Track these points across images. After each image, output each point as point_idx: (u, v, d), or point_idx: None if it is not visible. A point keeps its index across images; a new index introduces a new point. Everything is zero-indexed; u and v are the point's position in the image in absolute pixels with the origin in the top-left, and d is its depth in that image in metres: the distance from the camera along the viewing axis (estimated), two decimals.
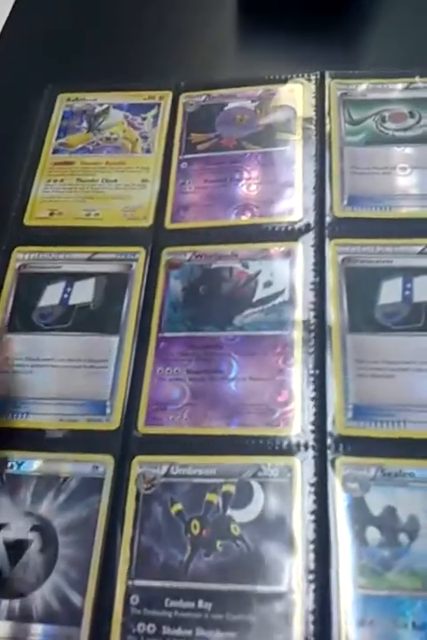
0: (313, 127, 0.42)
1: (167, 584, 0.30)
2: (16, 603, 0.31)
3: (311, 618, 0.29)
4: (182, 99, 0.46)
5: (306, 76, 0.44)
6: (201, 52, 0.49)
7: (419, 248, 0.37)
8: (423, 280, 0.35)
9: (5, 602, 0.31)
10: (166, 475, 0.33)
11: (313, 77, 0.44)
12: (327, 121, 0.42)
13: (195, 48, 0.49)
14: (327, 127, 0.42)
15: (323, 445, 0.32)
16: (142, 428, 0.34)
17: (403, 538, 0.30)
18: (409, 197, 0.39)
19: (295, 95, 0.44)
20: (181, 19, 0.51)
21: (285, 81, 0.44)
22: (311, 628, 0.29)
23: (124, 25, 0.51)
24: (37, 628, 0.30)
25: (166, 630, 0.29)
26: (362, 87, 0.43)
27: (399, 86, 0.43)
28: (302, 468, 0.32)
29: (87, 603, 0.30)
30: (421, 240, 0.37)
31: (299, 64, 0.46)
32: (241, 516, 0.31)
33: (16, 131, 0.47)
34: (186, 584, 0.30)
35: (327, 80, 0.44)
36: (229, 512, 0.31)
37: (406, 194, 0.39)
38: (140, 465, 0.33)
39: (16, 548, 0.32)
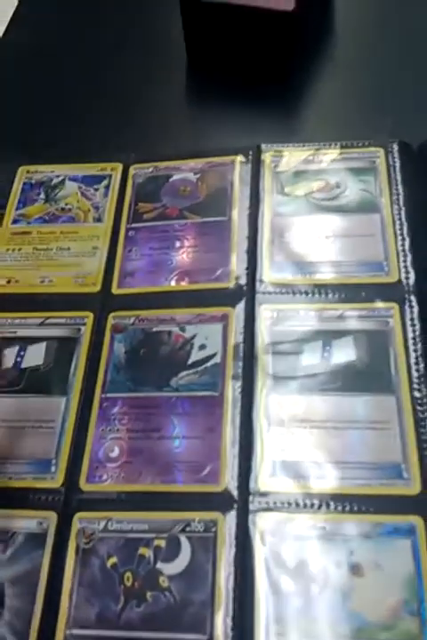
0: (248, 199, 0.46)
1: (102, 633, 0.33)
2: None
3: None
4: (132, 170, 0.49)
5: (243, 149, 0.48)
6: (152, 124, 0.53)
7: (338, 312, 0.40)
8: (341, 342, 0.39)
9: None
10: (104, 530, 0.36)
11: (250, 151, 0.48)
12: (261, 192, 0.46)
13: (147, 120, 0.53)
14: (261, 198, 0.45)
15: (245, 501, 0.35)
16: (84, 485, 0.37)
17: (314, 589, 0.32)
18: (333, 264, 0.42)
19: (234, 167, 0.47)
20: (135, 92, 0.55)
21: (224, 154, 0.48)
22: None
23: (81, 98, 0.55)
24: None
25: None
26: (293, 159, 0.47)
27: (328, 158, 0.47)
28: (226, 522, 0.35)
29: None
30: (340, 305, 0.40)
31: (241, 135, 0.50)
32: (169, 568, 0.34)
33: None
34: (118, 633, 0.33)
35: (262, 152, 0.48)
36: (159, 565, 0.34)
37: (329, 260, 0.42)
38: (80, 520, 0.36)
39: None
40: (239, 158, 0.48)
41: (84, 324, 0.43)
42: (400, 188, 0.44)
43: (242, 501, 0.35)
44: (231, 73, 0.55)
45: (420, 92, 0.52)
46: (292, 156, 0.47)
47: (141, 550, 0.35)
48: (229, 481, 0.36)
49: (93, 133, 0.52)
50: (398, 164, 0.46)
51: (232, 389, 0.39)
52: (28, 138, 0.54)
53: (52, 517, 0.36)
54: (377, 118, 0.51)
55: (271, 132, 0.50)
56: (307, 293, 0.41)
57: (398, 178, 0.45)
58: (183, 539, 0.35)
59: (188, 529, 0.35)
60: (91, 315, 0.43)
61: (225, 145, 0.49)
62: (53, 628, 0.34)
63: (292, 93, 0.54)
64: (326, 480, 0.35)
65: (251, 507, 0.35)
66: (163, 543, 0.35)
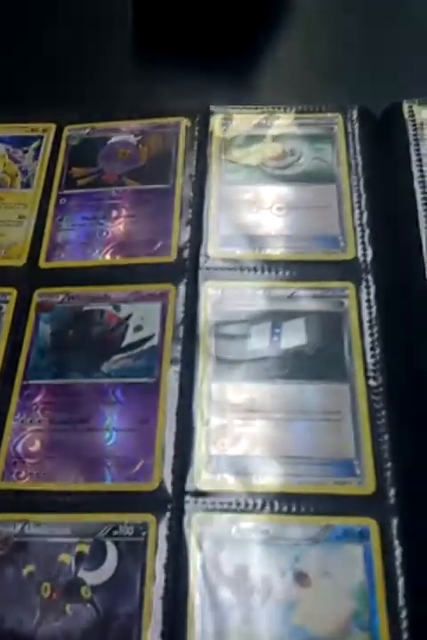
0: (193, 165, 0.41)
1: None
2: None
3: None
4: (66, 131, 0.44)
5: (190, 110, 0.44)
6: (91, 82, 0.48)
7: (289, 291, 0.36)
8: (291, 325, 0.35)
9: None
10: (20, 534, 0.31)
11: (198, 112, 0.43)
12: (208, 158, 0.41)
13: (84, 80, 0.48)
14: (208, 164, 0.41)
15: (181, 501, 0.31)
16: (0, 483, 0.33)
17: (254, 601, 0.29)
18: (284, 238, 0.38)
19: (180, 130, 0.43)
20: (73, 47, 0.50)
21: (169, 115, 0.44)
22: None
23: (11, 53, 0.50)
24: None
25: None
26: (244, 123, 0.43)
27: (283, 123, 0.43)
28: (157, 525, 0.31)
29: None
30: (291, 284, 0.36)
31: (189, 96, 0.46)
32: (93, 577, 0.30)
33: None
34: None
35: (212, 115, 0.43)
36: (81, 573, 0.30)
37: (280, 234, 0.38)
38: None
39: None
40: (186, 120, 0.43)
41: (7, 302, 0.38)
42: (359, 156, 0.41)
43: (177, 501, 0.31)
44: (181, 31, 0.50)
45: (382, 58, 0.48)
46: (243, 120, 0.43)
47: (62, 557, 0.31)
48: (164, 479, 0.32)
49: (24, 90, 0.47)
50: (357, 132, 0.42)
51: (170, 375, 0.34)
52: None
53: None
54: (337, 84, 0.47)
55: (222, 95, 0.45)
56: (255, 270, 0.37)
57: (357, 146, 0.41)
58: (109, 544, 0.31)
59: (115, 533, 0.31)
60: (14, 291, 0.38)
61: (171, 106, 0.45)
62: None
63: (246, 56, 0.49)
64: (271, 477, 0.31)
65: (187, 507, 0.31)
66: (86, 549, 0.31)
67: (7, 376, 0.36)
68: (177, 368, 0.35)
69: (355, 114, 0.42)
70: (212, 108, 0.43)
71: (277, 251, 0.37)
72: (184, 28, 0.50)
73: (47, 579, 0.30)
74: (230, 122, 0.43)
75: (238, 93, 0.47)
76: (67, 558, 0.31)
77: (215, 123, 0.43)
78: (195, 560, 0.30)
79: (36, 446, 0.34)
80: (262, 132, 0.42)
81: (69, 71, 0.49)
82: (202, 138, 0.42)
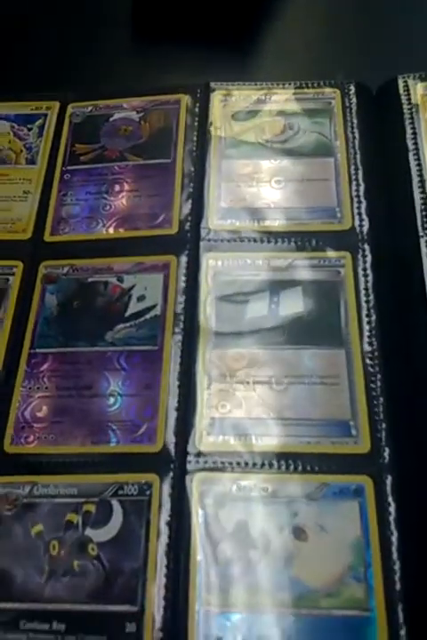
0: (194, 140, 0.42)
1: (23, 606, 0.30)
2: None
3: (159, 635, 0.29)
4: (69, 109, 0.45)
5: (191, 87, 0.44)
6: (92, 62, 0.49)
7: (287, 261, 0.37)
8: (289, 294, 0.36)
9: None
10: (29, 495, 0.33)
11: (198, 89, 0.44)
12: (209, 133, 0.42)
13: (86, 58, 0.49)
14: (208, 139, 0.42)
15: (183, 461, 0.33)
16: (9, 446, 0.34)
17: (253, 555, 0.30)
18: (283, 210, 0.39)
19: (180, 106, 0.44)
20: (74, 28, 0.51)
21: (170, 92, 0.44)
22: None
23: (13, 32, 0.51)
24: None
25: None
26: (244, 99, 0.44)
27: (281, 98, 0.43)
28: (160, 485, 0.32)
29: None
30: (290, 254, 0.37)
31: (189, 73, 0.47)
32: (99, 535, 0.31)
33: None
34: (42, 605, 0.30)
35: (212, 91, 0.44)
36: (88, 532, 0.31)
37: (279, 207, 0.39)
38: (3, 485, 0.33)
39: None
40: (186, 97, 0.44)
41: (13, 274, 0.39)
42: (356, 131, 0.41)
43: (180, 461, 0.32)
44: (180, 9, 0.50)
45: (380, 33, 0.49)
46: (242, 96, 0.43)
47: (69, 516, 0.32)
48: (167, 440, 0.33)
49: (27, 69, 0.48)
50: (354, 107, 0.42)
51: (172, 343, 0.36)
52: None
53: None
54: (335, 60, 0.47)
55: (222, 71, 0.46)
56: (255, 241, 0.38)
57: (355, 121, 0.42)
58: (115, 503, 0.32)
59: (120, 492, 0.32)
60: (20, 264, 0.40)
61: (172, 83, 0.45)
62: None
63: (245, 33, 0.50)
64: (270, 438, 0.32)
65: (189, 467, 0.32)
66: (93, 508, 0.32)
67: (15, 345, 0.37)
68: (179, 337, 0.36)
69: (352, 89, 0.43)
70: (212, 84, 0.44)
71: (275, 222, 0.38)
72: (184, 5, 0.51)
73: (55, 537, 0.32)
74: (230, 98, 0.44)
75: (238, 70, 0.48)
76: (74, 517, 0.32)
77: (215, 99, 0.44)
78: (197, 517, 0.31)
79: (43, 412, 0.35)
80: (262, 108, 0.43)
81: (71, 50, 0.49)
82: (202, 114, 0.43)
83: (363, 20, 0.49)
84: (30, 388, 0.35)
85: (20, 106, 0.46)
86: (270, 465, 0.32)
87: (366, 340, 0.34)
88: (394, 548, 0.30)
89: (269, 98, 0.43)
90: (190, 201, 0.40)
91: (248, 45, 0.49)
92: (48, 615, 0.30)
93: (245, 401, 0.34)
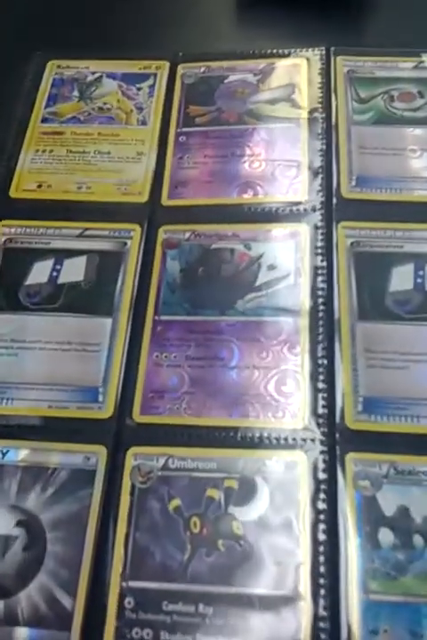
0: (318, 104, 0.40)
1: (165, 586, 0.28)
2: (0, 604, 0.29)
3: (321, 625, 0.27)
4: (180, 70, 0.43)
5: (311, 50, 0.42)
6: (199, 23, 0.47)
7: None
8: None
9: None
10: (164, 468, 0.31)
11: (318, 52, 0.42)
12: (333, 98, 0.40)
13: (193, 19, 0.47)
14: (334, 105, 0.40)
15: (332, 440, 0.30)
16: (138, 417, 0.32)
17: (418, 540, 0.28)
18: (420, 180, 0.37)
19: (300, 70, 0.42)
20: None
21: (288, 55, 0.42)
22: (321, 636, 0.27)
23: None
24: (23, 632, 0.28)
25: (164, 636, 0.27)
26: (369, 65, 0.41)
27: (408, 65, 0.41)
28: (309, 463, 0.30)
29: (78, 605, 0.28)
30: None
31: (299, 39, 0.44)
32: (244, 513, 0.29)
33: (2, 98, 0.44)
34: (185, 586, 0.28)
35: (332, 56, 0.42)
36: (231, 509, 0.29)
37: (417, 177, 0.37)
38: (135, 457, 0.31)
39: None
40: (307, 60, 0.42)
41: (131, 238, 0.37)
42: None
43: (328, 440, 0.30)
44: None
45: None
46: (366, 61, 0.41)
47: (210, 492, 0.30)
48: (312, 417, 0.31)
49: (131, 27, 0.46)
50: None
51: (310, 315, 0.34)
52: (55, 29, 0.47)
53: (100, 452, 0.31)
54: None
55: (338, 36, 0.44)
56: (393, 212, 0.36)
57: None
58: (260, 480, 0.30)
59: (264, 469, 0.30)
60: (137, 228, 0.38)
61: (283, 47, 0.43)
62: (107, 579, 0.29)
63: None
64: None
65: (338, 447, 0.30)
66: (235, 484, 0.30)
67: (138, 311, 0.35)
68: (317, 308, 0.33)
69: None
70: (333, 48, 0.42)
71: (414, 192, 0.36)
72: None
73: (195, 513, 0.30)
74: (353, 62, 0.41)
75: (353, 35, 0.45)
76: (214, 493, 0.30)
77: (338, 62, 0.41)
78: (351, 499, 0.29)
79: (173, 381, 0.33)
80: (387, 74, 0.41)
81: (176, 8, 0.47)
82: (326, 77, 0.41)
83: None
84: (157, 356, 0.33)
85: (127, 65, 0.44)
86: None
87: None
88: None
89: (395, 65, 0.41)
90: (319, 168, 0.38)
91: (360, 10, 0.47)
92: (193, 597, 0.28)
93: (395, 379, 0.31)
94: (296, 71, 0.42)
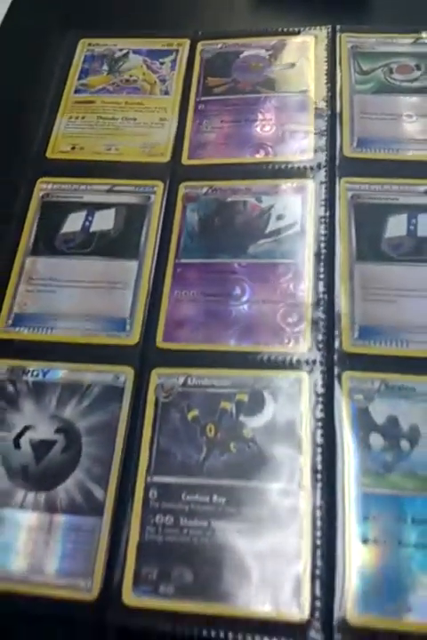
0: (324, 75, 0.44)
1: (184, 480, 0.33)
2: (42, 495, 0.33)
3: (318, 513, 0.31)
4: (199, 46, 0.48)
5: (318, 29, 0.47)
6: (217, 5, 0.51)
7: (423, 188, 0.39)
8: None
9: (31, 494, 0.33)
10: (183, 385, 0.35)
11: (324, 31, 0.46)
12: (338, 70, 0.44)
13: (212, 2, 0.51)
14: (338, 76, 0.44)
15: (330, 361, 0.35)
16: (161, 343, 0.37)
17: (404, 444, 0.32)
18: (414, 142, 0.41)
19: (308, 46, 0.46)
20: None
21: (297, 33, 0.47)
22: (318, 522, 0.31)
23: None
24: (61, 519, 0.33)
25: (183, 521, 0.32)
26: (371, 41, 0.46)
27: (406, 41, 0.45)
28: (310, 380, 0.34)
29: (109, 495, 0.33)
30: (425, 180, 0.39)
31: (309, 19, 0.49)
32: (253, 421, 0.34)
33: (39, 71, 0.49)
34: (202, 480, 0.33)
35: (338, 34, 0.46)
36: (242, 418, 0.34)
37: (411, 139, 0.41)
38: (158, 376, 0.35)
39: (41, 447, 0.34)
40: (314, 37, 0.46)
41: (154, 193, 0.42)
42: None
43: (327, 362, 0.35)
44: None
45: None
46: (369, 38, 0.45)
47: (223, 404, 0.34)
48: (314, 343, 0.35)
49: (156, 8, 0.50)
50: None
51: (314, 257, 0.38)
52: (86, 9, 0.52)
53: (128, 372, 0.36)
54: None
55: (344, 18, 0.48)
56: (389, 169, 0.40)
57: None
58: (267, 394, 0.34)
59: (271, 385, 0.34)
60: (160, 184, 0.42)
61: (293, 26, 0.48)
62: (134, 474, 0.33)
63: None
64: (415, 344, 0.35)
65: (336, 367, 0.34)
66: (245, 397, 0.34)
67: (161, 255, 0.39)
68: (319, 251, 0.38)
69: None
70: (338, 27, 0.46)
71: (408, 152, 0.40)
72: None
73: (211, 421, 0.34)
74: (356, 39, 0.46)
75: (355, 15, 0.49)
76: (227, 405, 0.34)
77: (342, 38, 0.46)
78: (347, 409, 0.33)
79: (191, 314, 0.37)
80: (387, 49, 0.45)
81: None
82: (331, 51, 0.45)
83: None
84: (178, 294, 0.38)
85: (151, 42, 0.49)
86: (415, 367, 0.34)
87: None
88: None
89: (394, 40, 0.45)
90: (324, 130, 0.42)
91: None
92: (208, 489, 0.32)
93: (387, 311, 0.35)
94: (305, 47, 0.46)
